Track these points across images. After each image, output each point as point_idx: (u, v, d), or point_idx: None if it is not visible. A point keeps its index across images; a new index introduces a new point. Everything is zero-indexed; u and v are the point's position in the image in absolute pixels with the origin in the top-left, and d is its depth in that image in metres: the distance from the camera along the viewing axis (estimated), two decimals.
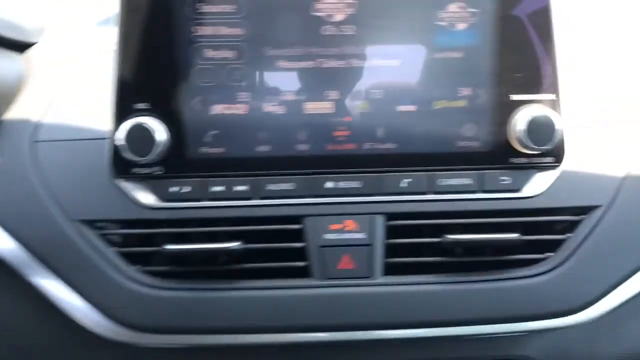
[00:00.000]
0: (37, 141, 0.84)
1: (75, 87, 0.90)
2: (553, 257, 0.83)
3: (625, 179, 0.85)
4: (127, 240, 0.83)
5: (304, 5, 0.80)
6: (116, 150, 0.79)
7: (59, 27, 1.06)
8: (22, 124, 0.86)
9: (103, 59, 0.90)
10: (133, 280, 0.80)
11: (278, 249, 0.81)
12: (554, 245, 0.83)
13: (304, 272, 0.81)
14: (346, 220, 0.82)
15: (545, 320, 0.81)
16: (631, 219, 0.84)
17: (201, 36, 0.79)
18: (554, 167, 0.84)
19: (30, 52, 0.97)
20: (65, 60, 0.94)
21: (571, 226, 0.84)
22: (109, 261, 0.80)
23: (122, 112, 0.79)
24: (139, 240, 0.83)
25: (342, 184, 0.82)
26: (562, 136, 0.81)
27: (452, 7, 0.80)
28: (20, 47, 0.97)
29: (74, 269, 0.79)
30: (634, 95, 0.90)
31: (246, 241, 0.81)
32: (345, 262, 0.81)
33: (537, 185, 0.83)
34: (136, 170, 0.80)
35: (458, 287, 0.81)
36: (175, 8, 0.78)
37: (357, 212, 0.82)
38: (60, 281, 0.80)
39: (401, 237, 0.83)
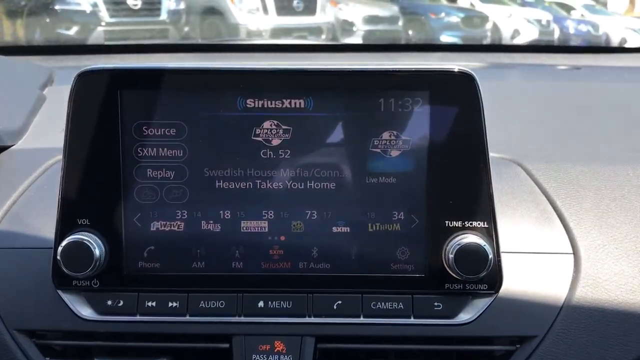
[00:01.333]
0: None
1: (35, 194, 0.95)
2: None
3: (563, 308, 0.83)
4: (63, 352, 0.86)
5: (244, 131, 0.83)
6: (57, 263, 0.82)
7: (40, 129, 1.13)
8: None
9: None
10: None
11: None
12: None
13: None
14: (275, 341, 0.83)
15: None
16: (567, 351, 0.82)
17: (143, 157, 0.83)
18: (489, 295, 0.83)
19: (3, 155, 1.03)
20: (31, 165, 1.00)
21: (506, 355, 0.83)
22: None
23: (64, 226, 0.83)
24: (74, 351, 0.85)
25: (274, 304, 0.83)
26: (496, 264, 0.81)
27: (386, 135, 0.82)
28: None
29: None
30: (577, 221, 0.89)
31: (176, 358, 0.82)
32: None
33: (471, 312, 0.83)
34: (75, 282, 0.83)
35: None
36: (119, 130, 0.82)
37: (287, 333, 0.83)
38: None
39: None
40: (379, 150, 0.82)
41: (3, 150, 1.04)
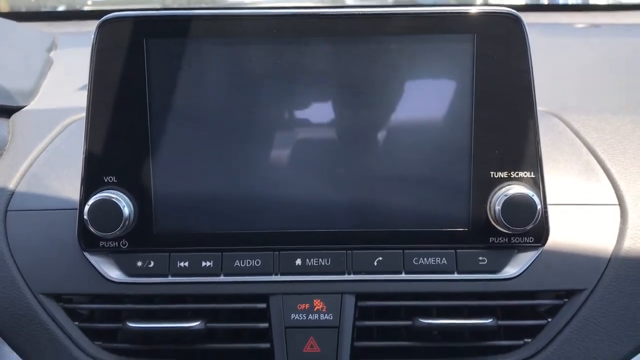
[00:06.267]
0: (10, 210, 0.84)
1: (53, 155, 0.90)
2: (531, 344, 0.79)
3: (611, 260, 0.80)
4: (91, 315, 0.82)
5: (278, 77, 0.78)
6: (83, 225, 0.78)
7: (51, 90, 1.08)
8: None
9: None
10: (93, 358, 0.78)
11: (241, 329, 0.79)
12: (533, 331, 0.79)
13: (267, 354, 0.78)
14: (314, 300, 0.79)
15: None
16: (617, 305, 0.79)
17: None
18: (535, 248, 0.80)
19: (16, 115, 0.98)
20: (47, 126, 0.95)
21: (552, 310, 0.80)
22: (71, 337, 0.79)
23: (90, 184, 0.78)
24: (103, 315, 0.81)
25: (312, 262, 0.80)
26: (544, 216, 0.78)
27: (429, 82, 0.78)
28: (7, 111, 0.98)
29: (33, 345, 0.78)
30: (624, 172, 0.86)
31: (210, 319, 0.79)
32: (311, 346, 0.78)
33: (517, 266, 0.80)
34: (103, 243, 0.79)
35: None
36: (146, 81, 0.77)
37: (326, 291, 0.80)
38: (18, 357, 0.78)
39: (372, 319, 0.80)
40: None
41: (16, 111, 0.99)
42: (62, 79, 1.12)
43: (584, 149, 0.89)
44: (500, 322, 0.78)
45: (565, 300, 0.80)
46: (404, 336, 0.81)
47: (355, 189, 0.79)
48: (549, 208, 0.79)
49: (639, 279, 0.80)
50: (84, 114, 0.78)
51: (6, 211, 0.84)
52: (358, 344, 0.79)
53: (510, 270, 0.80)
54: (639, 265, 0.80)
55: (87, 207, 0.76)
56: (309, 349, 0.78)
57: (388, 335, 0.80)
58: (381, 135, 0.78)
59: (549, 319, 0.79)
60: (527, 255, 0.80)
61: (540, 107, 0.93)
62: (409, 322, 0.78)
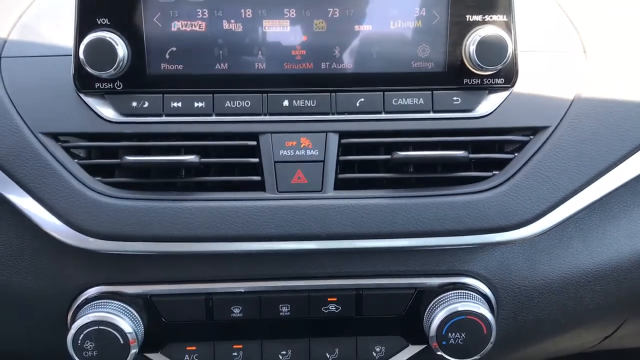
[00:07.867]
0: (4, 57, 0.87)
1: (44, 6, 0.91)
2: (498, 175, 0.86)
3: (574, 101, 0.87)
4: (89, 153, 0.86)
5: None
6: (79, 65, 0.81)
7: None
8: None
9: None
10: (94, 191, 0.83)
11: (234, 163, 0.85)
12: (501, 164, 0.86)
13: (258, 186, 0.85)
14: (301, 138, 0.85)
15: (487, 235, 0.85)
16: (577, 140, 0.86)
17: None
18: (506, 89, 0.86)
19: None
20: None
21: (520, 146, 0.87)
22: (72, 173, 0.83)
23: (84, 27, 0.81)
24: (100, 153, 0.86)
25: (298, 103, 0.85)
26: (514, 57, 0.84)
27: None
28: None
29: (38, 180, 0.82)
30: (588, 21, 0.92)
31: (203, 156, 0.84)
32: (299, 177, 0.85)
33: (488, 105, 0.86)
34: (98, 84, 0.83)
35: (405, 201, 0.84)
36: None
37: (311, 130, 0.85)
38: (24, 192, 0.83)
39: (354, 155, 0.86)
40: None
41: None
42: None
43: (554, 3, 0.94)
44: (471, 155, 0.85)
45: (531, 137, 0.87)
46: (382, 171, 0.87)
47: (339, 34, 0.84)
48: (519, 54, 0.85)
49: (597, 117, 0.87)
50: None
51: (0, 58, 0.86)
52: (341, 175, 0.85)
53: (482, 109, 0.86)
54: (598, 105, 0.87)
55: (82, 47, 0.80)
56: (296, 180, 0.84)
57: (368, 170, 0.87)
58: None
59: (516, 154, 0.86)
60: (498, 96, 0.86)
61: None
62: (387, 156, 0.85)
